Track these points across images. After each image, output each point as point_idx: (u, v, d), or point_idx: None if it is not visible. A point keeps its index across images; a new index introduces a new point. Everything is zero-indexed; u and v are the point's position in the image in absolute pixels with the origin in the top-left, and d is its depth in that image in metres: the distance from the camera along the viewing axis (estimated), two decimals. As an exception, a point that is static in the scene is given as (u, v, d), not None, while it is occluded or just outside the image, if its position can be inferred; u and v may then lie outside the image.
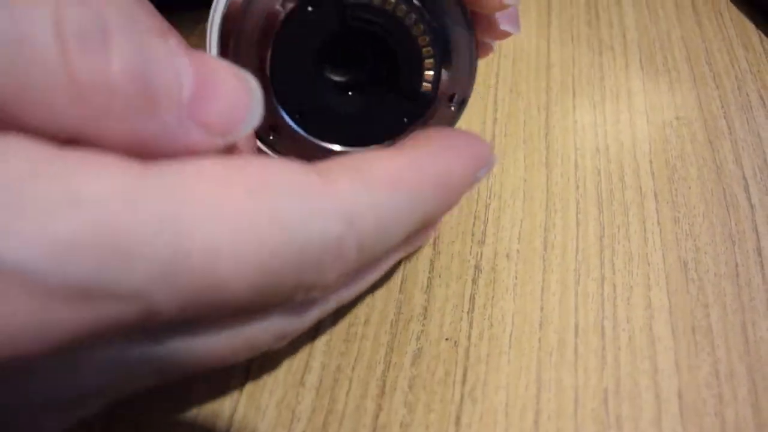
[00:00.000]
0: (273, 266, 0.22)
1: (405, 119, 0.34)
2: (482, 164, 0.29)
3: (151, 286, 0.20)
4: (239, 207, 0.22)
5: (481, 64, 0.56)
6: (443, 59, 0.33)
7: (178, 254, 0.20)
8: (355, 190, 0.24)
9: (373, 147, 0.34)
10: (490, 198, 0.45)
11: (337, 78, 0.34)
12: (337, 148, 0.33)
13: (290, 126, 0.33)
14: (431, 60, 0.33)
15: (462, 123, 0.49)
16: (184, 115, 0.23)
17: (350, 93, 0.34)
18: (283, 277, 0.23)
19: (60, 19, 0.20)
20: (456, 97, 0.34)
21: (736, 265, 0.41)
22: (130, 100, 0.21)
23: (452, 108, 0.34)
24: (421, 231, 0.31)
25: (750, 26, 0.58)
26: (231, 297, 0.22)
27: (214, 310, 0.22)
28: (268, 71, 0.31)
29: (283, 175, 0.23)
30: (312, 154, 0.33)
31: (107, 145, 0.21)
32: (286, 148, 0.34)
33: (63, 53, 0.20)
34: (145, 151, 0.22)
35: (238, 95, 0.25)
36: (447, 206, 0.28)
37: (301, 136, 0.33)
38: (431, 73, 0.33)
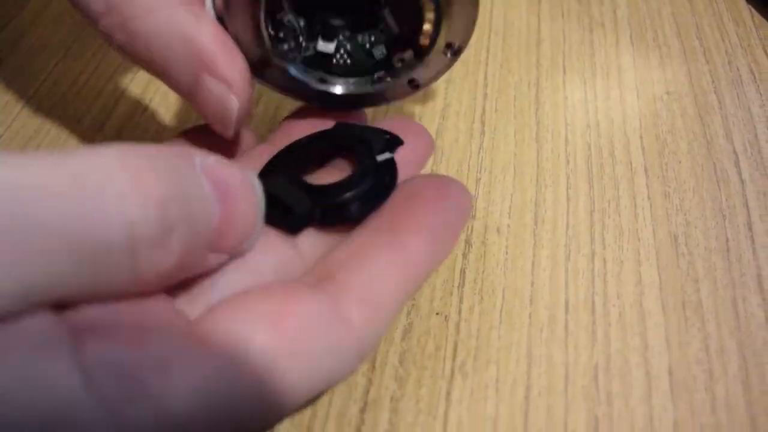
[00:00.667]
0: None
1: (399, 64, 0.37)
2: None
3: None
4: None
5: (472, 39, 0.55)
6: (444, 9, 0.35)
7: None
8: (368, 327, 0.27)
9: (365, 78, 0.37)
10: (480, 172, 0.45)
11: (335, 22, 0.36)
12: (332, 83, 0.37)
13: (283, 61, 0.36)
14: (432, 11, 0.35)
15: (453, 99, 0.49)
16: (208, 249, 0.26)
17: (347, 33, 0.37)
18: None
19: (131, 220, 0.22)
20: (453, 46, 0.36)
21: (727, 240, 0.41)
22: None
23: (448, 56, 0.36)
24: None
25: (740, 1, 0.58)
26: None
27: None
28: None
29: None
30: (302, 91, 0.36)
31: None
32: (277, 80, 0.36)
33: (133, 255, 0.22)
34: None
35: (249, 218, 0.27)
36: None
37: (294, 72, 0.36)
38: (429, 25, 0.34)
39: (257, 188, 0.28)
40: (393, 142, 0.34)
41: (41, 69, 0.51)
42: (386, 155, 0.34)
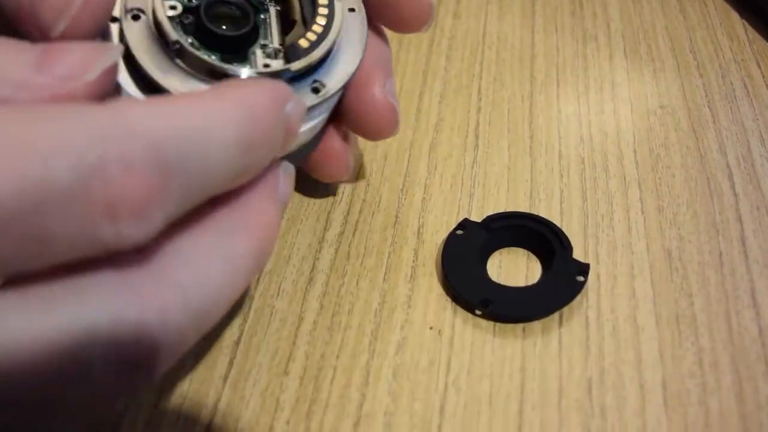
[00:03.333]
0: (43, 172, 0.21)
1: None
2: (283, 95, 0.29)
3: None
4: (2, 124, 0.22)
5: (465, 53, 0.56)
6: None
7: None
8: (139, 108, 0.24)
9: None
10: (474, 186, 0.45)
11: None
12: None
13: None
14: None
15: (446, 113, 0.49)
16: (32, 71, 0.25)
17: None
18: (61, 186, 0.21)
19: None
20: (320, 86, 0.35)
21: (720, 254, 0.41)
22: None
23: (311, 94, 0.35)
24: (260, 162, 0.28)
25: (734, 15, 0.59)
26: (3, 211, 0.21)
27: None
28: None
29: (57, 105, 0.24)
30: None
31: None
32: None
33: None
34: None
35: (87, 51, 0.27)
36: (261, 130, 0.27)
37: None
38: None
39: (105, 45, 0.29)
40: None
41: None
42: None
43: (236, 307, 0.39)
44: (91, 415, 0.25)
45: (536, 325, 0.38)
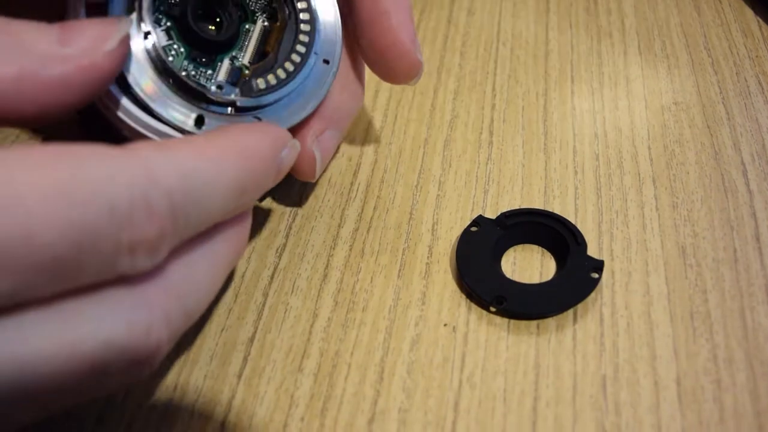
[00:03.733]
0: (86, 218, 0.23)
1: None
2: (281, 143, 0.32)
3: None
4: (44, 168, 0.23)
5: (480, 50, 0.56)
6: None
7: None
8: (156, 154, 0.26)
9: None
10: (488, 183, 0.45)
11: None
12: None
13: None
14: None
15: (461, 110, 0.49)
16: (55, 45, 0.27)
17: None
18: (98, 231, 0.24)
19: None
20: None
21: (735, 251, 0.41)
22: None
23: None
24: (251, 201, 0.32)
25: (749, 12, 0.58)
26: (50, 253, 0.23)
27: (37, 270, 0.23)
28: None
29: (85, 147, 0.25)
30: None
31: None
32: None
33: None
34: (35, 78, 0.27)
35: (103, 25, 0.29)
36: (256, 177, 0.31)
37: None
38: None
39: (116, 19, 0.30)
40: None
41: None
42: None
43: (251, 306, 0.39)
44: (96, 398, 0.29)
45: (550, 321, 0.38)
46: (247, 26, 0.37)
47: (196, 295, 0.30)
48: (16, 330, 0.23)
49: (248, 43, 0.37)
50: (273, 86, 0.36)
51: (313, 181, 0.42)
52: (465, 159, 0.47)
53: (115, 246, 0.24)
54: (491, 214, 0.43)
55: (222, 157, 0.28)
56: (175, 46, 0.34)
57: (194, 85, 0.34)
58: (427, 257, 0.41)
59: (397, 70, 0.41)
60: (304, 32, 0.37)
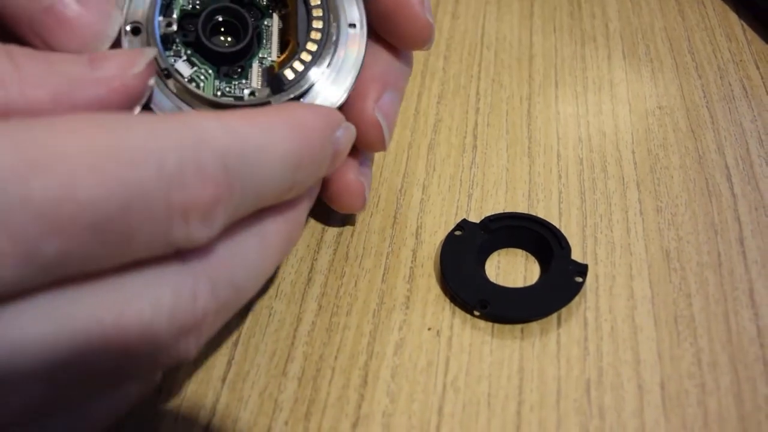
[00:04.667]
0: (133, 176, 0.23)
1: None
2: (335, 122, 0.32)
3: (10, 214, 0.21)
4: (90, 129, 0.23)
5: (464, 54, 0.56)
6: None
7: (23, 164, 0.22)
8: (206, 118, 0.26)
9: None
10: (472, 187, 0.45)
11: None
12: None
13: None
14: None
15: (445, 114, 0.49)
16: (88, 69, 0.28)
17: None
18: (147, 189, 0.23)
19: None
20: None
21: (719, 255, 0.41)
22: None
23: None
24: (307, 180, 0.31)
25: (733, 16, 0.59)
26: (97, 211, 0.22)
27: (86, 231, 0.22)
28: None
29: (132, 114, 0.26)
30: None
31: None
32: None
33: None
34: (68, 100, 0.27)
35: (128, 52, 0.30)
36: (311, 152, 0.30)
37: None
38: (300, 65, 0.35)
39: (115, 17, 0.31)
40: None
41: None
42: None
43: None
44: (145, 380, 0.29)
45: (534, 325, 0.38)
46: (265, 22, 0.36)
47: (245, 271, 0.29)
48: (69, 303, 0.24)
49: (270, 39, 0.36)
50: (302, 72, 0.35)
51: (385, 150, 0.40)
52: (449, 163, 0.47)
53: (167, 208, 0.24)
54: (475, 218, 0.43)
55: (276, 127, 0.28)
56: (202, 71, 0.34)
57: (229, 102, 0.33)
58: (411, 261, 0.41)
59: (407, 34, 0.39)
60: (316, 5, 0.36)
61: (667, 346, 0.37)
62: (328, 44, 0.35)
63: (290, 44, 0.36)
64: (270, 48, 0.36)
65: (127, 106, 0.29)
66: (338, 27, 0.36)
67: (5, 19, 0.30)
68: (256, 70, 0.35)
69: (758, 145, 0.47)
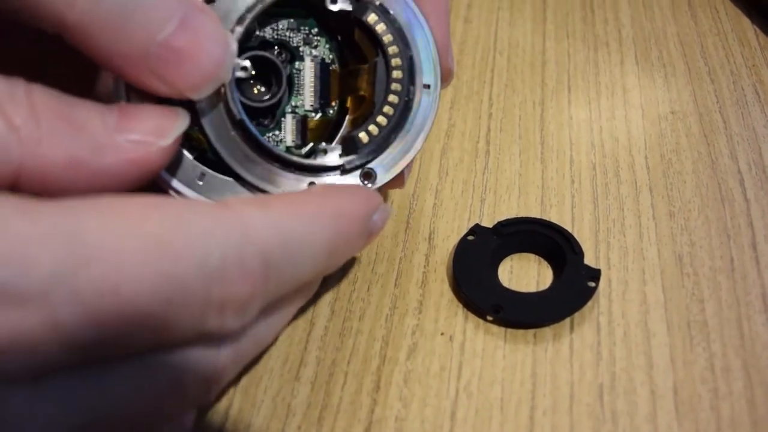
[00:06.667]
0: (176, 271, 0.23)
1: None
2: (374, 207, 0.32)
3: (49, 288, 0.21)
4: (138, 220, 0.23)
5: (477, 59, 0.56)
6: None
7: (75, 257, 0.22)
8: (251, 210, 0.26)
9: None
10: (485, 192, 0.45)
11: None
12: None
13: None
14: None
15: (457, 119, 0.49)
16: (111, 133, 0.27)
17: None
18: (189, 285, 0.24)
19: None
20: (372, 174, 0.35)
21: (732, 260, 0.41)
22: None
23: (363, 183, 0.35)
24: (341, 262, 0.32)
25: (745, 21, 0.58)
26: (138, 305, 0.23)
27: (124, 323, 0.23)
28: None
29: (180, 201, 0.26)
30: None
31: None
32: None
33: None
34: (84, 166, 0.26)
35: (211, 57, 0.28)
36: (348, 239, 0.30)
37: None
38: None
39: (231, 42, 0.30)
40: None
41: None
42: None
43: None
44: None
45: (547, 330, 0.38)
46: (296, 66, 0.35)
47: (266, 327, 0.30)
48: (98, 381, 0.24)
49: (303, 86, 0.35)
50: (376, 136, 0.34)
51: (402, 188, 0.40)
52: (462, 168, 0.47)
53: (205, 303, 0.24)
54: (488, 222, 0.43)
55: (318, 217, 0.28)
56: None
57: (310, 164, 0.33)
58: (424, 266, 0.41)
59: None
60: (397, 66, 0.34)
61: (680, 351, 0.37)
62: (405, 107, 0.35)
63: (360, 103, 0.36)
64: (303, 95, 0.35)
65: (144, 177, 0.28)
66: (414, 88, 0.35)
67: (111, 62, 0.28)
68: (290, 121, 0.35)
69: (771, 150, 0.47)
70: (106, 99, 0.29)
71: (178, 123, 0.29)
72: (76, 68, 0.31)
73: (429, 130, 0.36)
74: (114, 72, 0.29)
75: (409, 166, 0.36)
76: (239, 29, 0.31)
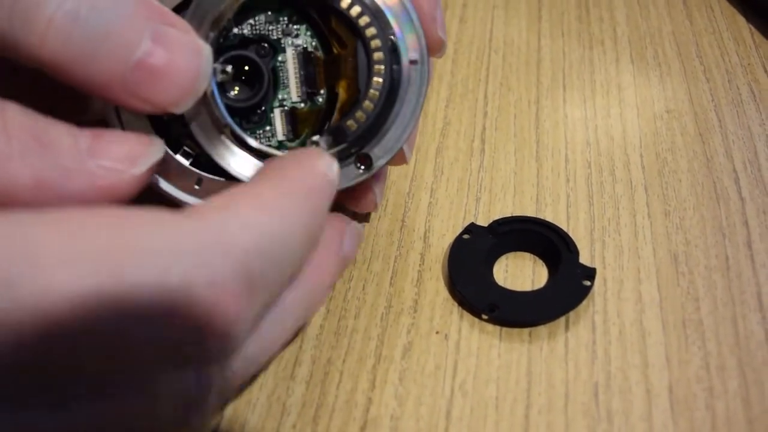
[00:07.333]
0: (117, 291, 0.22)
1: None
2: (331, 172, 0.30)
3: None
4: (84, 235, 0.22)
5: (472, 58, 0.56)
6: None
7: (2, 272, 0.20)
8: (222, 219, 0.25)
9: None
10: (480, 191, 0.45)
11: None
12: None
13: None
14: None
15: (453, 117, 0.49)
16: (83, 157, 0.26)
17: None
18: (137, 307, 0.22)
19: None
20: (369, 159, 0.35)
21: (727, 258, 0.41)
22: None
23: (359, 169, 0.35)
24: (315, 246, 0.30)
25: (741, 20, 0.58)
26: (64, 325, 0.21)
27: (48, 344, 0.21)
28: None
29: (137, 213, 0.24)
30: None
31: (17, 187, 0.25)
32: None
33: None
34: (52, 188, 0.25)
35: (186, 73, 0.28)
36: (321, 220, 0.29)
37: None
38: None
39: (205, 50, 0.29)
40: None
41: None
42: None
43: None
44: None
45: (542, 329, 0.38)
46: (279, 59, 0.35)
47: (257, 345, 0.29)
48: (53, 407, 0.23)
49: (287, 78, 0.35)
50: (365, 121, 0.33)
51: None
52: (457, 167, 0.47)
53: (169, 326, 0.23)
54: (483, 221, 0.43)
55: (290, 208, 0.27)
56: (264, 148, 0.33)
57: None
58: (419, 265, 0.41)
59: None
60: (377, 48, 0.34)
61: (675, 350, 0.37)
62: (391, 89, 0.34)
63: (347, 88, 0.35)
64: (289, 88, 0.35)
65: (111, 202, 0.27)
66: (400, 67, 0.34)
67: (92, 90, 0.27)
68: (279, 116, 0.35)
69: (766, 149, 0.47)
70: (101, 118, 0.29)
71: (151, 151, 0.28)
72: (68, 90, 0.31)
73: (422, 104, 0.35)
74: (98, 97, 0.28)
75: (410, 141, 0.35)
76: (212, 35, 0.31)
